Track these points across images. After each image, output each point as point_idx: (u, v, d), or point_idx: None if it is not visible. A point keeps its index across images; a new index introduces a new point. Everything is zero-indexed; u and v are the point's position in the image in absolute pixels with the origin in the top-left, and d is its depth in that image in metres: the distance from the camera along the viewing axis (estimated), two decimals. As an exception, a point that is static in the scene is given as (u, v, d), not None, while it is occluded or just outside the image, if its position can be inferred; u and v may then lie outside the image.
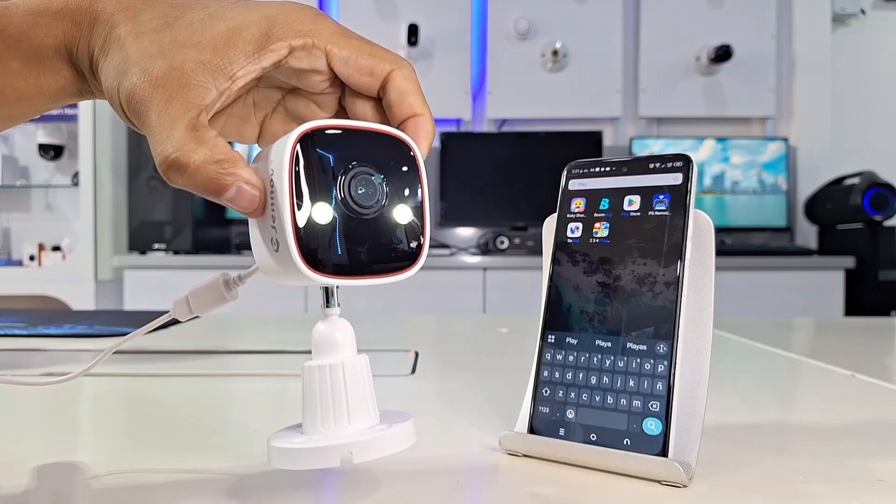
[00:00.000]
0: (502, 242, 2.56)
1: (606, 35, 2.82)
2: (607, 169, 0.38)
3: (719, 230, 2.69)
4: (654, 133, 2.93)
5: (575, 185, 0.39)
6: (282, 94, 0.34)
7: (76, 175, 2.66)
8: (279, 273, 0.29)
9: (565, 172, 0.39)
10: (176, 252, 2.49)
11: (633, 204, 0.36)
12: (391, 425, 0.30)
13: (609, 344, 0.35)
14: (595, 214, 0.38)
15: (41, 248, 2.68)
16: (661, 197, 0.36)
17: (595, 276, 0.36)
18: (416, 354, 0.73)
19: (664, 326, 0.34)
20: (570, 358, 0.36)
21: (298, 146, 0.27)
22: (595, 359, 0.35)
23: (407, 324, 1.08)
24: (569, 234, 0.38)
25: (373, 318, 1.10)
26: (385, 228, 0.29)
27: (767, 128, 2.93)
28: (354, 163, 0.29)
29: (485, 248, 2.63)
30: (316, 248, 0.27)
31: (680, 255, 0.34)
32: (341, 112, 0.34)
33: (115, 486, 0.33)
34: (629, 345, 0.35)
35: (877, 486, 0.33)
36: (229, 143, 0.29)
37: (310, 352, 0.31)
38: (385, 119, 0.32)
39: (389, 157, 0.30)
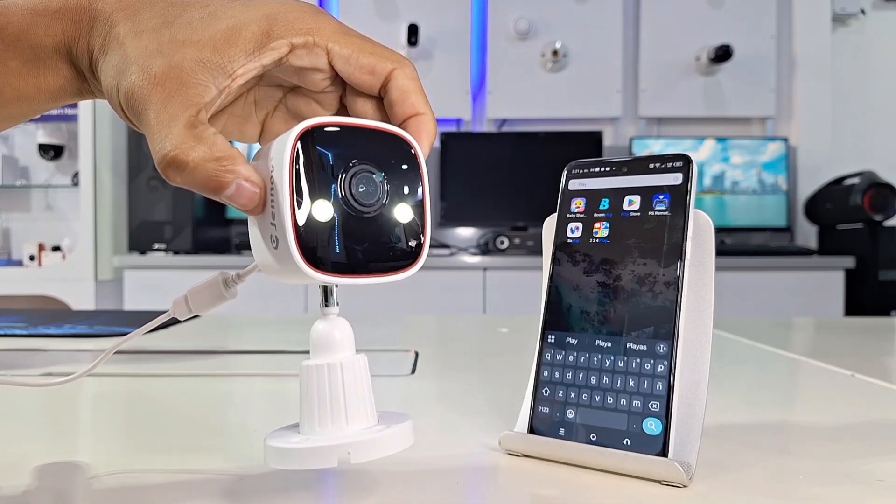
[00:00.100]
0: (502, 242, 2.56)
1: (606, 35, 2.82)
2: (607, 169, 0.38)
3: (719, 230, 2.69)
4: (654, 133, 2.93)
5: (575, 185, 0.39)
6: (283, 93, 0.34)
7: (76, 175, 2.66)
8: (279, 271, 0.29)
9: (565, 172, 0.39)
10: (176, 252, 2.49)
11: (633, 204, 0.36)
12: (389, 426, 0.30)
13: (609, 344, 0.35)
14: (595, 214, 0.38)
15: (41, 248, 2.68)
16: (661, 197, 0.36)
17: (595, 276, 0.36)
18: (416, 354, 0.73)
19: (664, 326, 0.34)
20: (570, 358, 0.36)
21: (299, 143, 0.27)
22: (595, 359, 0.35)
23: (407, 324, 1.08)
24: (569, 234, 0.38)
25: (373, 318, 1.10)
26: (385, 227, 0.29)
27: (767, 128, 2.93)
28: (355, 160, 0.28)
29: (485, 248, 2.63)
30: (316, 246, 0.27)
31: (680, 255, 0.34)
32: (342, 111, 0.34)
33: (116, 487, 0.33)
34: (629, 345, 0.35)
35: (877, 486, 0.33)
36: (231, 142, 0.29)
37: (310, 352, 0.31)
38: (386, 118, 0.32)
39: (390, 155, 0.30)
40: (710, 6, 2.83)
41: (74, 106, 2.58)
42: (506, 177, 2.72)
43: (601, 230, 0.37)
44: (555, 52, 2.74)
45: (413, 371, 0.64)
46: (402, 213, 0.30)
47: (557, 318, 0.37)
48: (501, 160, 2.74)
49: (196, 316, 1.07)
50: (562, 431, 0.35)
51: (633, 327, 0.35)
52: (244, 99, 0.33)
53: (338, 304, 0.31)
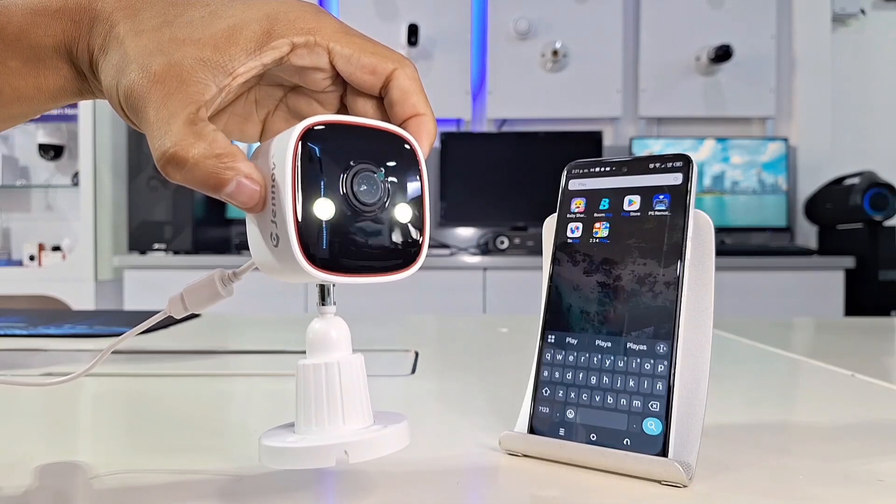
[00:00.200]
0: (502, 242, 2.56)
1: (606, 35, 2.82)
2: (607, 169, 0.38)
3: (719, 230, 2.69)
4: (654, 133, 2.93)
5: (575, 185, 0.39)
6: (283, 92, 0.34)
7: (76, 175, 2.66)
8: (278, 269, 0.29)
9: (565, 172, 0.39)
10: (176, 252, 2.49)
11: (633, 204, 0.36)
12: (386, 425, 0.30)
13: (609, 344, 0.35)
14: (595, 214, 0.38)
15: (41, 248, 2.68)
16: (661, 197, 0.36)
17: (595, 276, 0.36)
18: (416, 354, 0.73)
19: (664, 326, 0.34)
20: (570, 358, 0.36)
21: (301, 141, 0.27)
22: (595, 359, 0.35)
23: (407, 324, 1.08)
24: (569, 234, 0.38)
25: (373, 318, 1.10)
26: (386, 226, 0.29)
27: (767, 128, 2.93)
28: (357, 159, 0.28)
29: (485, 248, 2.63)
30: (317, 244, 0.27)
31: (680, 255, 0.34)
32: (342, 110, 0.34)
33: (116, 487, 0.33)
34: (629, 345, 0.35)
35: (877, 486, 0.33)
36: (231, 141, 0.29)
37: None
38: (386, 118, 0.32)
39: (391, 154, 0.30)
40: (710, 6, 2.83)
41: (74, 106, 2.58)
42: (506, 177, 2.72)
43: (601, 230, 0.37)
44: (555, 52, 2.74)
45: (413, 371, 0.64)
46: (403, 212, 0.30)
47: (557, 318, 0.37)
48: (501, 160, 2.74)
49: (196, 316, 1.07)
50: (562, 431, 0.35)
51: (633, 327, 0.35)
52: (245, 98, 0.33)
53: (334, 303, 0.31)
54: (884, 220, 2.40)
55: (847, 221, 2.52)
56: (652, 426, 0.33)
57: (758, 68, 2.83)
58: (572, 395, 0.36)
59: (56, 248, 2.71)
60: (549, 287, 0.38)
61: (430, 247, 0.31)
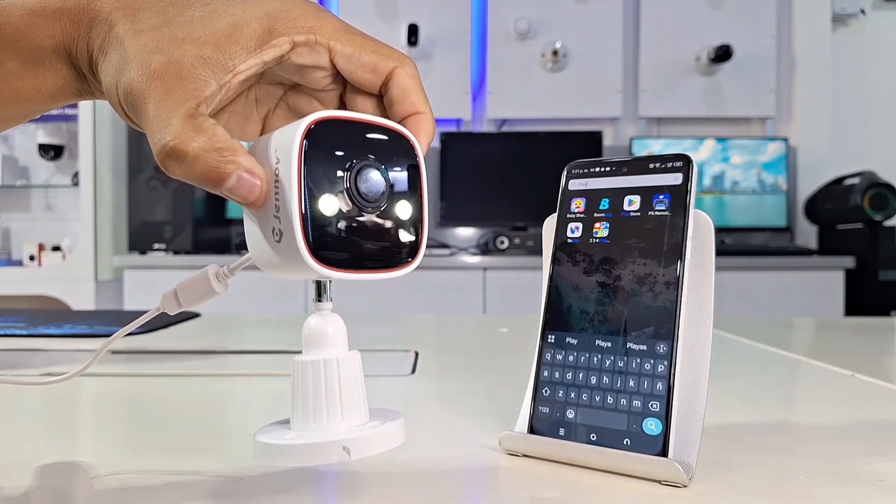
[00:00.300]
0: (502, 242, 2.56)
1: (606, 35, 2.82)
2: (607, 169, 0.38)
3: (719, 230, 2.69)
4: (654, 133, 2.93)
5: (575, 185, 0.39)
6: (284, 91, 0.34)
7: (76, 175, 2.66)
8: (278, 265, 0.29)
9: (565, 172, 0.39)
10: (176, 252, 2.49)
11: (633, 204, 0.36)
12: (384, 422, 0.30)
13: (609, 344, 0.35)
14: (595, 214, 0.38)
15: (41, 248, 2.68)
16: (661, 197, 0.36)
17: (595, 276, 0.36)
18: (416, 354, 0.73)
19: (664, 326, 0.34)
20: (570, 358, 0.36)
21: (306, 137, 0.27)
22: (595, 359, 0.35)
23: (407, 324, 1.08)
24: (569, 234, 0.38)
25: (373, 318, 1.10)
26: (387, 222, 0.29)
27: (767, 128, 2.93)
28: (361, 156, 0.28)
29: (485, 248, 2.63)
30: (322, 240, 0.27)
31: (680, 255, 0.34)
32: (342, 108, 0.34)
33: (117, 487, 0.33)
34: (629, 345, 0.35)
35: (877, 486, 0.33)
36: None
37: None
38: (385, 116, 0.32)
39: (393, 152, 0.30)
40: (710, 6, 2.83)
41: (74, 106, 2.58)
42: (506, 177, 2.72)
43: (601, 230, 0.37)
44: (555, 52, 2.74)
45: (413, 371, 0.64)
46: (403, 209, 0.30)
47: (557, 318, 0.37)
48: (501, 160, 2.74)
49: (196, 316, 1.07)
50: (562, 431, 0.35)
51: (633, 327, 0.35)
52: (245, 97, 0.33)
53: (331, 299, 0.31)
54: (884, 220, 2.40)
55: (847, 221, 2.52)
56: (652, 426, 0.33)
57: (758, 68, 2.83)
58: (572, 394, 0.36)
59: (56, 248, 2.71)
60: (549, 287, 0.38)
61: (430, 247, 0.31)
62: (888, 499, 0.31)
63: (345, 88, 0.33)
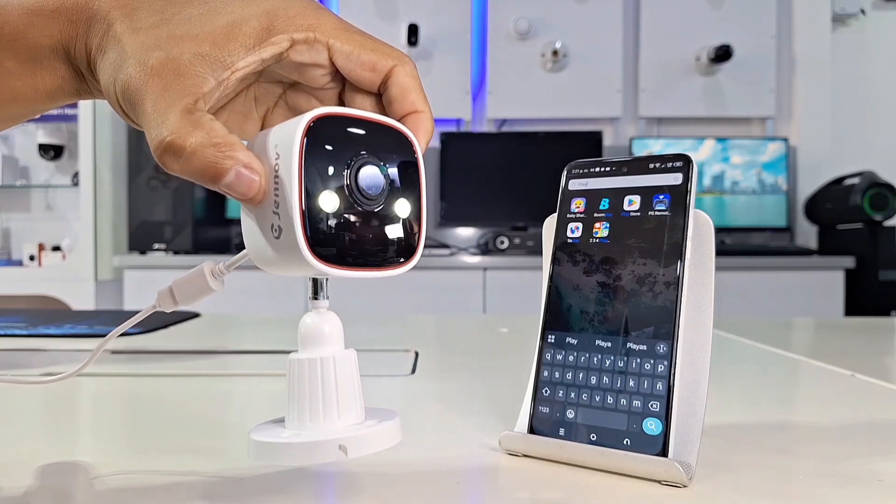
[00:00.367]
0: (502, 242, 2.56)
1: (606, 35, 2.82)
2: (607, 169, 0.38)
3: (719, 230, 2.69)
4: (654, 133, 2.93)
5: (575, 185, 0.39)
6: (283, 89, 0.34)
7: (76, 175, 2.66)
8: (276, 262, 0.28)
9: (565, 172, 0.39)
10: (176, 252, 2.49)
11: (633, 204, 0.36)
12: (381, 421, 0.30)
13: (609, 344, 0.35)
14: (595, 214, 0.38)
15: (41, 248, 2.68)
16: (661, 197, 0.36)
17: (595, 276, 0.36)
18: (416, 354, 0.73)
19: (664, 326, 0.34)
20: (570, 358, 0.36)
21: (307, 133, 0.27)
22: (595, 359, 0.35)
23: (407, 324, 1.08)
24: (569, 234, 0.38)
25: (373, 318, 1.10)
26: (386, 221, 0.29)
27: (767, 128, 2.93)
28: (361, 153, 0.28)
29: (485, 248, 2.63)
30: (322, 237, 0.27)
31: (680, 255, 0.34)
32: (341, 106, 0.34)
33: (117, 487, 0.33)
34: (629, 345, 0.35)
35: (877, 486, 0.33)
36: None
37: None
38: (384, 114, 0.32)
39: (393, 150, 0.30)
40: (710, 6, 2.83)
41: (74, 106, 2.58)
42: (506, 177, 2.72)
43: (601, 230, 0.37)
44: (555, 52, 2.74)
45: (413, 371, 0.64)
46: (402, 207, 0.29)
47: (557, 318, 0.37)
48: (501, 160, 2.74)
49: (196, 315, 1.07)
50: (562, 431, 0.35)
51: (633, 327, 0.35)
52: (244, 95, 0.33)
53: (328, 297, 0.31)
54: (884, 220, 2.40)
55: (847, 221, 2.52)
56: (652, 426, 0.33)
57: (758, 68, 2.83)
58: (572, 394, 0.36)
59: (56, 248, 2.71)
60: (549, 287, 0.38)
61: (430, 247, 0.31)
62: (888, 499, 0.31)
63: (344, 87, 0.33)
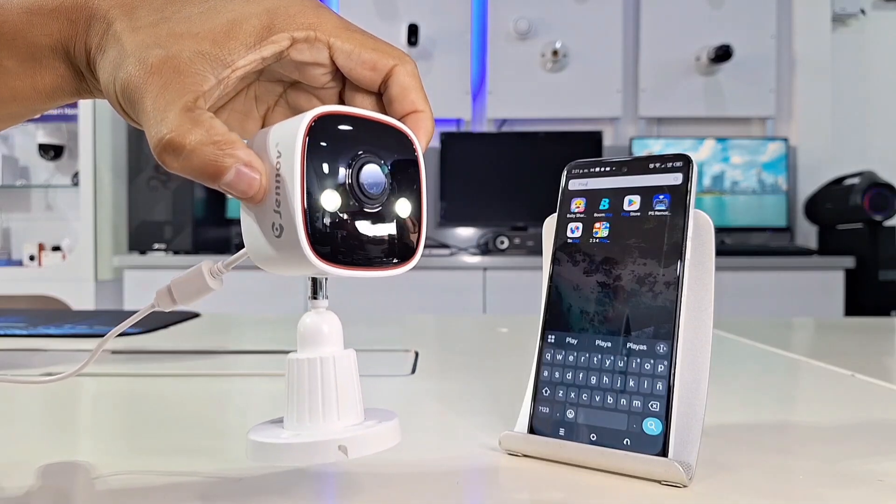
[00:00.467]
0: (502, 242, 2.56)
1: (606, 35, 2.82)
2: (607, 169, 0.38)
3: (719, 230, 2.69)
4: (654, 133, 2.93)
5: (575, 185, 0.39)
6: (283, 88, 0.34)
7: (76, 175, 2.66)
8: (276, 261, 0.28)
9: (565, 172, 0.39)
10: (176, 252, 2.49)
11: (633, 204, 0.36)
12: (380, 421, 0.30)
13: (609, 344, 0.35)
14: (595, 214, 0.38)
15: (41, 248, 2.68)
16: (661, 197, 0.35)
17: (595, 276, 0.36)
18: (416, 354, 0.73)
19: (664, 326, 0.34)
20: (571, 358, 0.36)
21: (309, 131, 0.27)
22: (595, 359, 0.35)
23: (407, 324, 1.07)
24: (569, 234, 0.38)
25: (373, 318, 1.10)
26: (387, 220, 0.29)
27: (767, 128, 2.93)
28: (362, 151, 0.28)
29: (485, 248, 2.63)
30: (323, 236, 0.27)
31: (680, 255, 0.34)
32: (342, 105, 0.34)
33: (117, 488, 0.33)
34: (629, 345, 0.34)
35: (877, 486, 0.33)
36: None
37: None
38: (384, 114, 0.32)
39: (394, 149, 0.30)
40: (710, 6, 2.83)
41: (74, 106, 2.58)
42: (506, 177, 2.72)
43: (601, 230, 0.37)
44: (555, 52, 2.74)
45: (413, 371, 0.64)
46: (402, 206, 0.29)
47: (557, 318, 0.37)
48: (501, 160, 2.74)
49: (196, 315, 1.07)
50: (562, 431, 0.35)
51: (633, 327, 0.35)
52: (245, 94, 0.33)
53: (327, 297, 0.31)
54: (884, 220, 2.40)
55: (847, 221, 2.52)
56: (652, 426, 0.33)
57: (758, 68, 2.83)
58: (572, 395, 0.36)
59: (56, 248, 2.71)
60: (549, 287, 0.38)
61: (430, 247, 0.31)
62: (888, 499, 0.31)
63: (344, 86, 0.33)
